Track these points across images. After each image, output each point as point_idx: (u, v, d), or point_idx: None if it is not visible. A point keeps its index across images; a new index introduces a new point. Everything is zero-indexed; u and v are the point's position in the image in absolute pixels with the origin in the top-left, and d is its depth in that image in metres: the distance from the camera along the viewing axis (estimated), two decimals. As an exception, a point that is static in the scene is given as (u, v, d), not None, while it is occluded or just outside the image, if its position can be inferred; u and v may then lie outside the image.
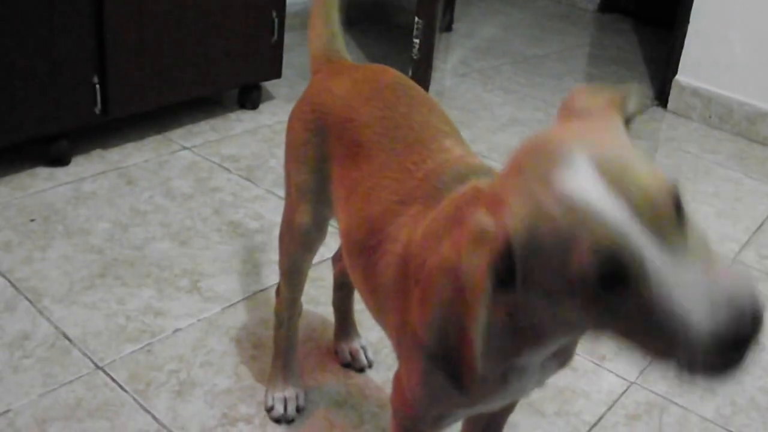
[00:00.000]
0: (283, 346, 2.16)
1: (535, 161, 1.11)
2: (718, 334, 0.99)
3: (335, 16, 2.02)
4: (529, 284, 1.10)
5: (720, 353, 1.01)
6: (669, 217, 1.04)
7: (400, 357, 1.56)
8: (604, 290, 1.02)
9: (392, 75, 1.83)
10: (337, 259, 2.29)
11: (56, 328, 2.34)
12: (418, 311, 1.24)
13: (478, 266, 1.09)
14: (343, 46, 2.02)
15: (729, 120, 4.32)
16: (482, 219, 1.12)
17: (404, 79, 1.82)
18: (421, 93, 1.78)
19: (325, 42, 1.99)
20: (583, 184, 1.04)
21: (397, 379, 1.60)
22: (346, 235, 1.69)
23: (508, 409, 1.81)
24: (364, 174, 1.66)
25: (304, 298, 2.16)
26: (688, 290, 1.00)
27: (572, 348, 1.49)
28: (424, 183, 1.54)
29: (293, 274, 2.07)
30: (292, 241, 2.00)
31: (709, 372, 1.04)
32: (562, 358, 1.48)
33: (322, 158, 1.81)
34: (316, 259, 2.03)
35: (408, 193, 1.55)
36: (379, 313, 1.64)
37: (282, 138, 1.98)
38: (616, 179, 1.04)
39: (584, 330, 1.21)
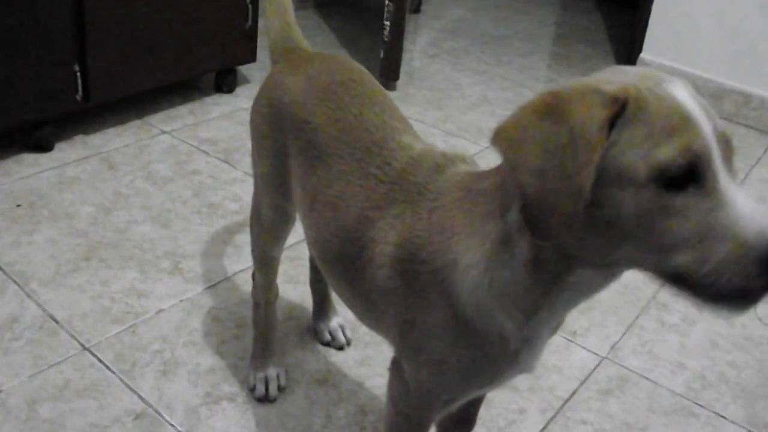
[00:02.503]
0: (262, 328, 2.19)
1: (643, 72, 1.20)
2: None
3: (288, 5, 2.02)
4: (612, 158, 1.13)
5: (765, 268, 1.08)
6: (731, 155, 1.17)
7: (405, 352, 1.54)
8: (678, 181, 1.10)
9: (348, 70, 1.80)
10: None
11: (44, 310, 2.38)
12: (514, 153, 1.18)
13: (597, 116, 1.12)
14: (299, 34, 2.01)
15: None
16: (594, 83, 1.17)
17: (359, 74, 1.80)
18: (374, 89, 1.77)
19: (280, 32, 2.00)
20: (688, 100, 1.14)
21: (396, 369, 1.61)
22: (318, 246, 1.67)
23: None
24: (324, 181, 1.65)
25: (282, 277, 2.18)
26: (747, 203, 1.10)
27: (563, 317, 1.48)
28: (400, 183, 1.53)
29: (265, 261, 2.10)
30: (261, 230, 2.03)
31: (744, 289, 1.10)
32: (555, 325, 1.50)
33: (282, 153, 1.81)
34: (294, 238, 2.05)
35: (382, 198, 1.54)
36: (369, 314, 1.62)
37: (258, 121, 2.01)
38: (704, 107, 1.15)
39: (620, 258, 1.20)
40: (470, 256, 1.36)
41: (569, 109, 1.14)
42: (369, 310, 1.61)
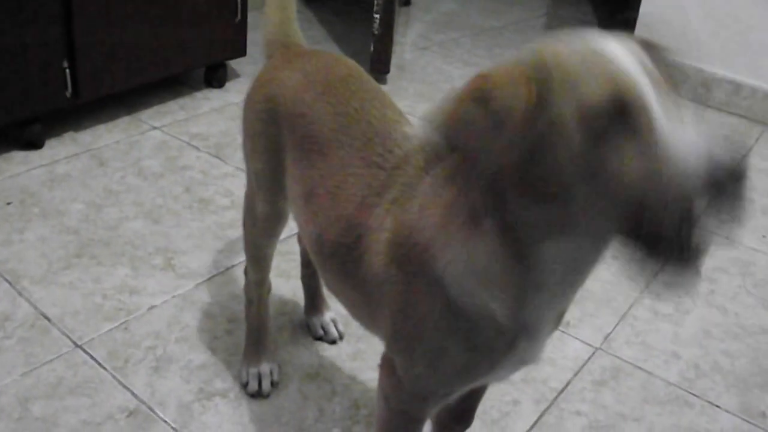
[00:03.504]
0: (254, 324, 2.19)
1: (576, 36, 1.20)
2: (713, 169, 1.05)
3: (290, 1, 2.02)
4: (543, 120, 1.13)
5: (715, 190, 1.06)
6: (671, 91, 1.15)
7: (398, 346, 1.53)
8: (608, 126, 1.09)
9: (345, 66, 1.80)
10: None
11: (35, 308, 2.37)
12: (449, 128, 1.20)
13: (521, 95, 1.13)
14: (297, 30, 2.01)
15: (684, 87, 4.39)
16: (524, 55, 1.18)
17: (357, 71, 1.80)
18: (373, 86, 1.76)
19: (279, 26, 1.99)
20: (616, 51, 1.14)
21: (388, 365, 1.59)
22: (314, 238, 1.66)
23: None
24: (322, 173, 1.64)
25: (274, 272, 2.18)
26: (685, 137, 1.07)
27: (563, 307, 1.47)
28: (400, 170, 1.53)
29: (258, 258, 2.10)
30: (254, 227, 2.02)
31: (697, 224, 1.09)
32: (559, 316, 1.50)
33: (277, 149, 1.79)
34: (285, 232, 2.04)
35: (382, 184, 1.53)
36: (363, 308, 1.61)
37: (249, 116, 2.01)
38: (636, 53, 1.15)
39: (580, 224, 1.19)
40: (448, 240, 1.35)
41: (494, 91, 1.15)
42: (364, 304, 1.59)
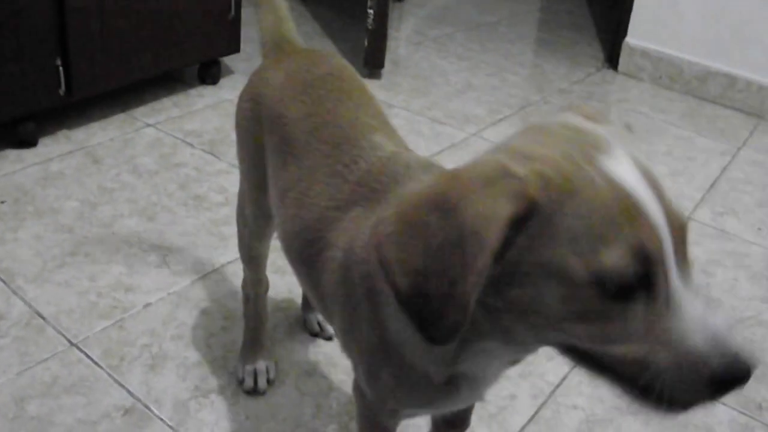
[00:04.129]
0: (251, 321, 2.19)
1: (572, 135, 1.05)
2: (721, 367, 0.97)
3: (282, 1, 2.00)
4: (530, 253, 1.00)
5: (713, 386, 0.99)
6: (686, 247, 1.03)
7: (350, 358, 1.53)
8: (626, 289, 0.98)
9: (327, 65, 1.77)
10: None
11: (30, 307, 2.37)
12: (390, 249, 1.03)
13: (496, 214, 0.97)
14: (292, 29, 1.99)
15: (679, 80, 4.38)
16: (506, 162, 1.01)
17: (339, 69, 1.77)
18: (353, 85, 1.73)
19: (272, 26, 1.97)
20: (634, 181, 0.99)
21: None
22: (284, 241, 1.65)
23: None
24: (294, 176, 1.61)
25: (270, 268, 2.17)
26: (697, 309, 0.98)
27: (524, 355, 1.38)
28: (361, 186, 1.47)
29: (251, 258, 2.10)
30: (245, 228, 2.02)
31: (689, 399, 1.02)
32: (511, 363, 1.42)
33: (261, 150, 1.78)
34: (281, 228, 2.05)
35: (344, 198, 1.48)
36: (328, 316, 1.59)
37: (243, 113, 2.01)
38: (656, 190, 1.01)
39: (541, 342, 1.11)
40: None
41: (465, 200, 0.99)
42: (326, 312, 1.58)
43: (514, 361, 1.42)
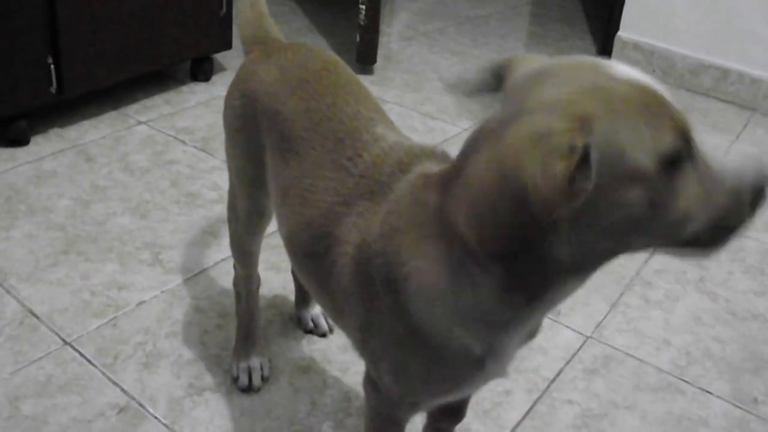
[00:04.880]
0: (244, 318, 2.18)
1: (571, 67, 1.16)
2: (757, 178, 1.17)
3: None
4: (603, 180, 1.08)
5: (755, 196, 1.17)
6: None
7: (368, 357, 1.52)
8: (671, 166, 1.10)
9: (321, 59, 1.77)
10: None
11: (23, 306, 2.36)
12: (468, 222, 1.10)
13: (553, 174, 1.03)
14: (272, 24, 1.99)
15: (672, 73, 4.38)
16: (544, 120, 1.07)
17: (333, 64, 1.77)
18: (349, 79, 1.73)
19: (253, 23, 1.97)
20: (647, 79, 1.13)
21: (368, 368, 1.59)
22: (288, 240, 1.64)
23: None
24: (297, 173, 1.61)
25: (264, 265, 2.18)
26: (722, 158, 1.17)
27: (540, 321, 1.47)
28: (366, 178, 1.49)
29: (243, 254, 2.09)
30: (237, 224, 2.02)
31: (745, 220, 1.18)
32: (532, 330, 1.47)
33: (256, 145, 1.78)
34: (274, 225, 2.04)
35: (349, 193, 1.50)
36: (336, 314, 1.58)
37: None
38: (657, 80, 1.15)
39: (623, 253, 1.20)
40: (423, 277, 1.31)
41: (520, 169, 1.04)
42: (336, 311, 1.57)
43: (531, 336, 1.48)
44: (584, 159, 1.06)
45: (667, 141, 1.08)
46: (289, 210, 1.62)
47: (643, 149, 1.07)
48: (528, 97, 1.14)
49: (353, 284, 1.45)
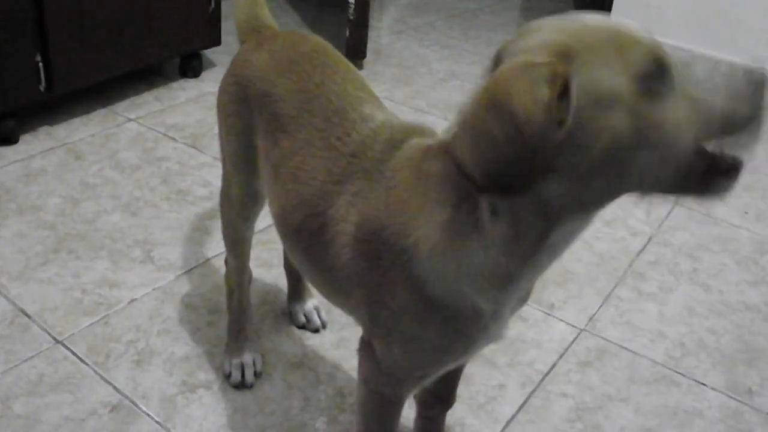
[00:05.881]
0: (236, 314, 2.18)
1: (555, 21, 1.23)
2: (749, 79, 1.19)
3: None
4: (586, 106, 1.14)
5: (753, 97, 1.18)
6: None
7: (375, 332, 1.54)
8: (649, 90, 1.14)
9: (310, 43, 1.80)
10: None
11: (14, 305, 2.36)
12: (463, 152, 1.17)
13: (539, 99, 1.11)
14: (267, 13, 2.00)
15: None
16: (529, 57, 1.16)
17: (322, 46, 1.80)
18: (337, 60, 1.76)
19: (248, 11, 1.98)
20: (622, 20, 1.21)
21: (366, 349, 1.61)
22: (279, 218, 1.67)
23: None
24: (287, 152, 1.64)
25: (255, 261, 2.18)
26: (712, 76, 1.19)
27: (532, 284, 1.52)
28: (357, 158, 1.53)
29: (237, 243, 2.09)
30: (231, 211, 2.02)
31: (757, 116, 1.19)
32: (524, 295, 1.54)
33: (249, 130, 1.80)
34: (266, 222, 2.04)
35: (342, 172, 1.53)
36: (335, 293, 1.61)
37: (225, 106, 2.00)
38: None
39: (623, 192, 1.24)
40: (432, 242, 1.36)
41: (510, 96, 1.12)
42: (336, 290, 1.60)
43: (522, 301, 1.56)
44: (567, 87, 1.13)
45: (639, 62, 1.14)
46: (280, 188, 1.64)
47: (617, 72, 1.14)
48: (515, 48, 1.23)
49: (356, 262, 1.48)
